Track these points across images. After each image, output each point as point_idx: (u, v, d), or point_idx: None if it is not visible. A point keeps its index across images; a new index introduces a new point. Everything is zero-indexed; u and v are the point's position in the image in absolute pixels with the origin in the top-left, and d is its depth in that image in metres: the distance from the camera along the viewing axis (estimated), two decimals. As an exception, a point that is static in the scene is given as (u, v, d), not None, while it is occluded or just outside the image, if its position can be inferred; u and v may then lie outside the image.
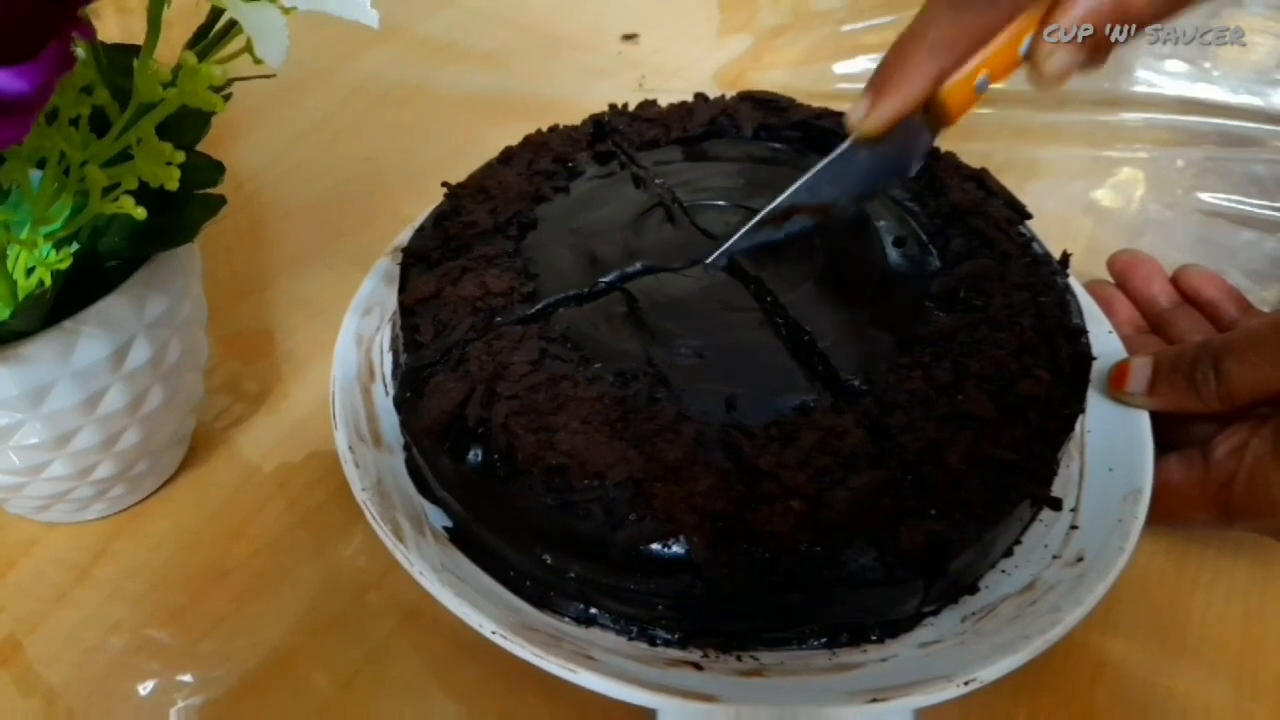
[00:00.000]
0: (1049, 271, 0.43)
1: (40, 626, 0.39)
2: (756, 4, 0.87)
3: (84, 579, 0.41)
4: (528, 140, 0.52)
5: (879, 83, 0.39)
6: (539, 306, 0.41)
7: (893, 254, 0.44)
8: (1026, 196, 0.48)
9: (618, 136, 0.52)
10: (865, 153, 0.41)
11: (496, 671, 0.37)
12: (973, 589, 0.36)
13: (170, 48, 0.31)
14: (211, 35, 0.32)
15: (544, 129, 0.53)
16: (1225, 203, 0.61)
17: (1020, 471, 0.34)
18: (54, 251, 0.29)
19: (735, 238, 0.43)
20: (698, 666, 0.33)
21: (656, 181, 0.48)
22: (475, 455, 0.35)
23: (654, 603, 0.34)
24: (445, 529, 0.38)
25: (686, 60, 0.76)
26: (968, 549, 0.33)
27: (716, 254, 0.43)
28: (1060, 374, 0.38)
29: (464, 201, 0.47)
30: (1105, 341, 0.43)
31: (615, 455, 0.34)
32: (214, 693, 0.37)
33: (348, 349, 0.44)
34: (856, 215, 0.46)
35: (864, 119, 0.39)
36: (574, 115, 0.54)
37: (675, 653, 0.34)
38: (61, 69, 0.16)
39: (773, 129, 0.53)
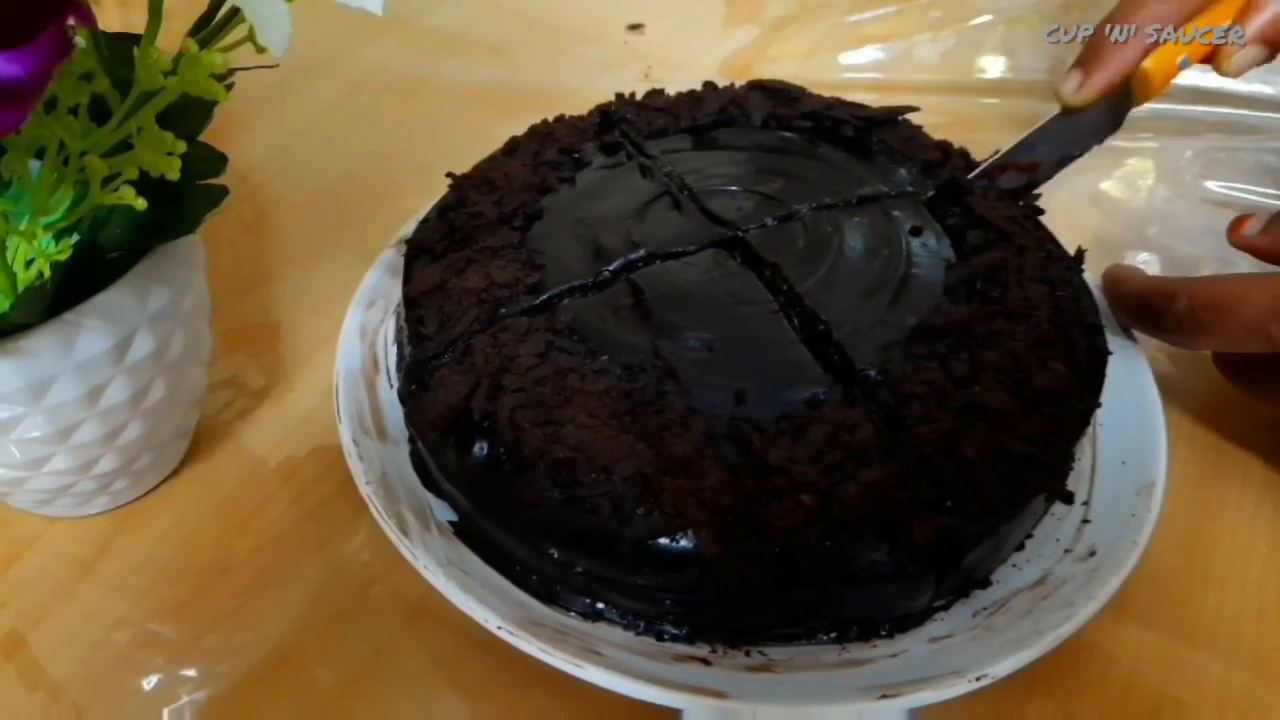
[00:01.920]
0: (1064, 266, 0.42)
1: (44, 622, 0.39)
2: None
3: (87, 574, 0.40)
4: (533, 131, 0.52)
5: (1090, 58, 0.44)
6: (544, 298, 0.41)
7: (910, 244, 0.43)
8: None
9: (625, 126, 0.52)
10: (1072, 120, 0.47)
11: (502, 667, 0.36)
12: (984, 583, 0.35)
13: (172, 39, 0.30)
14: (214, 24, 0.32)
15: (550, 120, 0.53)
16: (1235, 192, 0.61)
17: (1036, 465, 0.34)
18: (54, 243, 0.29)
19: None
20: (706, 662, 0.33)
21: (664, 170, 0.48)
22: (481, 449, 0.35)
23: (662, 598, 0.34)
24: (450, 523, 0.38)
25: (692, 51, 0.76)
26: (981, 544, 0.33)
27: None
28: (1077, 368, 0.37)
29: (468, 193, 0.47)
30: (1119, 337, 0.43)
31: (623, 449, 0.34)
32: (218, 688, 0.37)
33: (351, 342, 0.44)
34: (872, 205, 0.46)
35: (1076, 92, 0.45)
36: (580, 107, 0.54)
37: (683, 648, 0.34)
38: (59, 55, 0.16)
39: (783, 118, 0.52)
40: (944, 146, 0.50)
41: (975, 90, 0.72)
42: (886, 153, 0.50)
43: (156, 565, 0.41)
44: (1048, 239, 0.44)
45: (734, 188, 0.47)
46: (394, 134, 0.68)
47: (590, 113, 0.53)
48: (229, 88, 0.30)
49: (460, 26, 0.79)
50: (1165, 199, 0.61)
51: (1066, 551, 0.36)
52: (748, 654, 0.34)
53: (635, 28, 0.78)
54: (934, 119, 0.68)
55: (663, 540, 0.32)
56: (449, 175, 0.48)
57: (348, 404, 0.41)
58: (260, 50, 0.31)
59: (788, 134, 0.52)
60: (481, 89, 0.72)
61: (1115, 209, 0.61)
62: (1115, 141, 0.66)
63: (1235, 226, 0.43)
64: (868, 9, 0.80)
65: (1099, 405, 0.37)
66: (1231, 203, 0.60)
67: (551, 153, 0.50)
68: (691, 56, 0.75)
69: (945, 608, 0.35)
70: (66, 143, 0.27)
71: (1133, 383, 0.41)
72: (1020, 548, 0.37)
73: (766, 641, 0.34)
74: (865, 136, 0.51)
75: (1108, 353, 0.39)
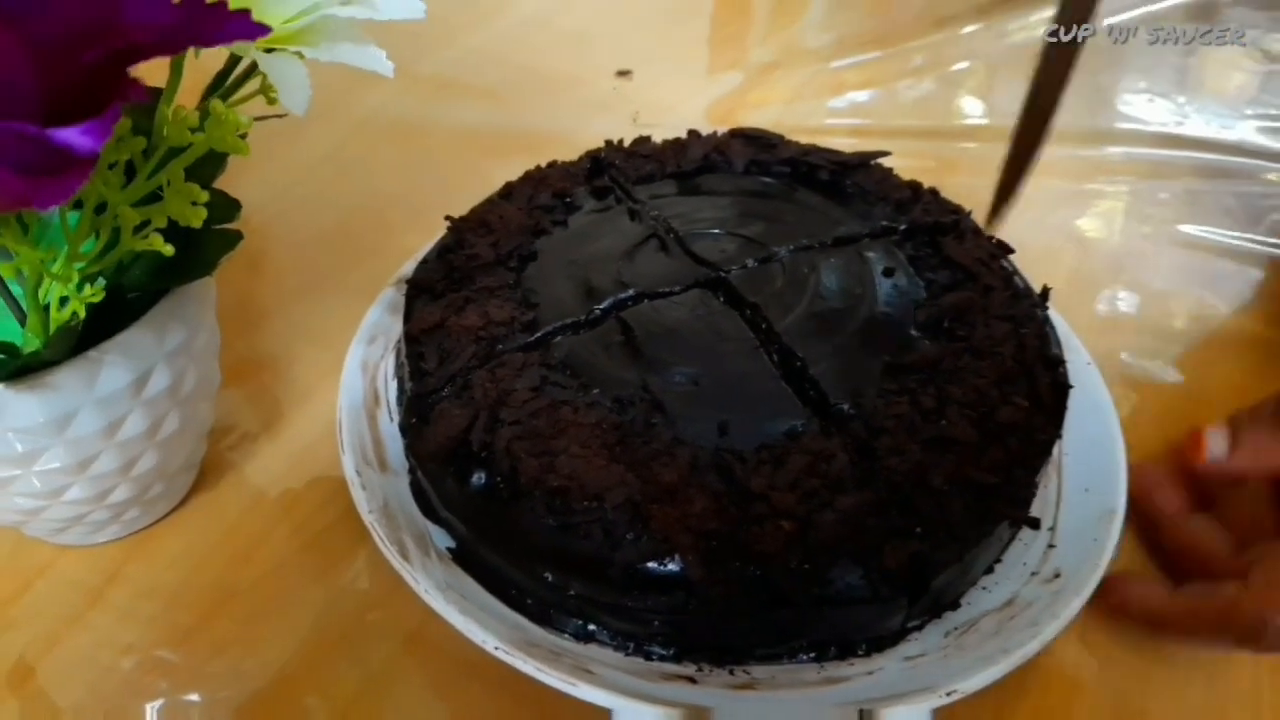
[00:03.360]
0: (1030, 304, 0.44)
1: (54, 648, 0.40)
2: (747, 42, 0.89)
3: (98, 601, 0.42)
4: (528, 176, 0.54)
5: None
6: (539, 335, 0.42)
7: (881, 284, 0.45)
8: (1010, 228, 0.48)
9: (614, 171, 0.54)
10: None
11: (498, 692, 0.38)
12: (954, 605, 0.37)
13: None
14: (230, 81, 0.34)
15: (542, 164, 0.55)
16: (1204, 234, 0.63)
17: (1000, 494, 0.36)
18: (88, 285, 0.31)
19: None
20: (692, 680, 0.35)
21: (651, 214, 0.50)
22: (479, 478, 0.37)
23: (650, 619, 0.35)
24: (449, 550, 0.40)
25: (679, 96, 0.78)
26: (950, 568, 0.35)
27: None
28: (1039, 401, 0.39)
29: (466, 235, 0.49)
30: (1084, 372, 0.45)
31: (613, 478, 0.35)
32: (222, 713, 0.38)
33: (354, 376, 0.45)
34: (848, 246, 0.47)
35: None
36: (570, 149, 0.55)
37: (671, 667, 0.36)
38: (115, 122, 0.18)
39: (763, 164, 0.54)
40: (914, 186, 0.52)
41: (953, 135, 0.75)
42: (860, 195, 0.52)
43: (164, 592, 0.42)
44: (1014, 276, 0.46)
45: (717, 230, 0.49)
46: (390, 176, 0.70)
47: (581, 159, 0.55)
48: (243, 138, 0.32)
49: (455, 72, 0.82)
50: (1140, 238, 0.63)
51: (1033, 574, 0.38)
52: (732, 672, 0.35)
53: (623, 74, 0.81)
54: (911, 163, 0.70)
55: (651, 564, 0.34)
56: (448, 218, 0.50)
57: (350, 436, 0.42)
58: (271, 101, 0.33)
59: (768, 179, 0.54)
60: (475, 132, 0.74)
61: (1090, 249, 0.63)
62: (1090, 184, 0.69)
63: (1193, 449, 0.39)
64: (849, 55, 0.83)
65: (1060, 436, 0.39)
66: (1200, 244, 0.62)
67: (545, 196, 0.52)
68: (678, 101, 0.78)
69: (919, 628, 0.36)
70: (105, 195, 0.29)
71: (1095, 414, 0.43)
72: (990, 571, 0.38)
73: (750, 660, 0.36)
74: (840, 180, 0.53)
75: (1069, 386, 0.41)
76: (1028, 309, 0.44)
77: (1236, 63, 0.77)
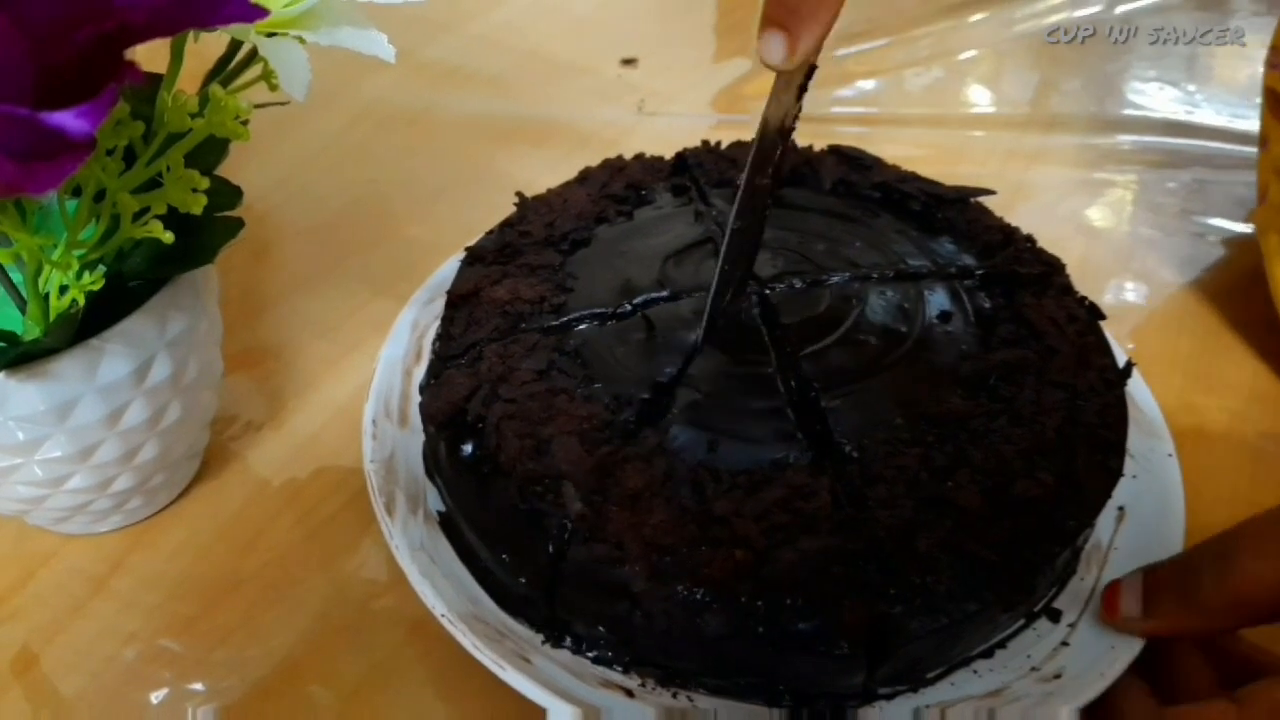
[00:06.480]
0: (1101, 377, 0.40)
1: (57, 637, 0.40)
2: (753, 29, 0.88)
3: (100, 590, 0.42)
4: (606, 163, 0.53)
5: (789, 11, 0.33)
6: (563, 320, 0.42)
7: (931, 328, 0.42)
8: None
9: (696, 171, 0.52)
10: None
11: (501, 681, 0.38)
12: (933, 681, 0.35)
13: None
14: (231, 66, 0.34)
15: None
16: (1214, 224, 0.63)
17: (996, 573, 0.33)
18: (87, 273, 0.31)
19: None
20: (629, 693, 0.34)
21: (716, 218, 0.48)
22: (468, 449, 0.37)
23: (596, 625, 0.35)
24: (439, 513, 0.40)
25: (685, 84, 0.78)
26: (925, 639, 0.33)
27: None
28: (1071, 483, 0.36)
29: (528, 212, 0.49)
30: (1162, 465, 0.41)
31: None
32: (225, 701, 0.38)
33: (402, 331, 0.47)
34: (910, 282, 0.44)
35: (788, 58, 0.33)
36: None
37: (615, 675, 0.35)
38: (111, 106, 0.18)
39: (851, 185, 0.52)
40: (1007, 230, 0.48)
41: (959, 123, 0.74)
42: (947, 230, 0.49)
43: (167, 581, 0.42)
44: (1094, 346, 0.41)
45: (777, 245, 0.46)
46: (395, 164, 0.70)
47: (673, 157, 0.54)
48: (244, 123, 0.32)
49: (459, 59, 0.81)
50: (1148, 230, 0.63)
51: (1033, 669, 0.35)
52: (675, 695, 0.34)
53: (629, 62, 0.80)
54: (917, 151, 0.70)
55: (601, 568, 0.33)
56: (518, 194, 0.50)
57: (379, 386, 0.44)
58: (273, 87, 0.32)
59: (853, 200, 0.51)
60: (480, 120, 0.74)
61: (1099, 239, 0.63)
62: (1098, 174, 0.69)
63: (1110, 604, 0.35)
64: (856, 43, 0.82)
65: (1091, 525, 0.36)
66: (1210, 233, 0.62)
67: (618, 186, 0.50)
68: (683, 89, 0.77)
69: (889, 697, 0.34)
70: (104, 182, 0.29)
71: (1162, 511, 0.40)
72: (989, 655, 0.36)
73: (698, 688, 0.34)
74: (931, 213, 0.50)
75: (1117, 474, 0.37)
76: (1096, 381, 0.39)
77: (1246, 51, 0.76)
